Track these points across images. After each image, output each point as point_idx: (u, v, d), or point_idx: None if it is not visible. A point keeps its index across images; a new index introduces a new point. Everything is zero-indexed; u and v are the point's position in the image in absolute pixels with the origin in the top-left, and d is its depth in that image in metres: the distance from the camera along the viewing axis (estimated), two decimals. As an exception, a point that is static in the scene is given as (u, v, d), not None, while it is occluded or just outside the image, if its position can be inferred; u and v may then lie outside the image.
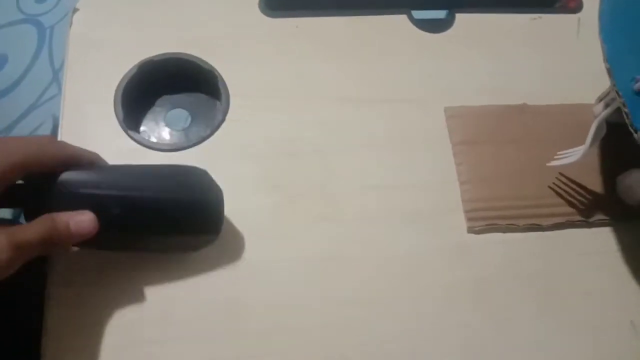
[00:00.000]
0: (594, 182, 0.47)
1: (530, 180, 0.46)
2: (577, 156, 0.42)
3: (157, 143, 0.46)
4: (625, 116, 0.36)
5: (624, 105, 0.35)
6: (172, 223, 0.37)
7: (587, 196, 0.46)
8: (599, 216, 0.46)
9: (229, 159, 0.45)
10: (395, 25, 0.52)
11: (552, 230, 0.45)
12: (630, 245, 0.46)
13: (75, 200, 0.34)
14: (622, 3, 0.39)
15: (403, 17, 0.53)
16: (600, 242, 0.46)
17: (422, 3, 0.53)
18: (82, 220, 0.34)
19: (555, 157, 0.45)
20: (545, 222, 0.45)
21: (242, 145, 0.46)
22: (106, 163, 0.39)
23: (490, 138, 0.48)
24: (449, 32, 0.52)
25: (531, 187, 0.46)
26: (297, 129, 0.47)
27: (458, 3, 0.54)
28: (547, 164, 0.45)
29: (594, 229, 0.46)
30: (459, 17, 0.53)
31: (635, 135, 0.35)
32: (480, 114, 0.49)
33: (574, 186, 0.46)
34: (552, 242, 0.45)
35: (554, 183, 0.46)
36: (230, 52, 0.49)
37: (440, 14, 0.54)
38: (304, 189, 0.45)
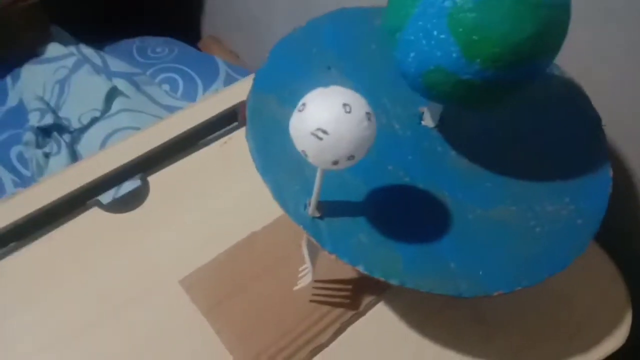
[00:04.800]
0: (345, 272, 0.47)
1: (292, 306, 0.45)
2: (311, 274, 0.42)
3: None
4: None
5: (308, 234, 0.35)
6: None
7: (346, 288, 0.46)
8: (366, 300, 0.46)
9: None
10: (90, 223, 0.48)
11: (335, 339, 0.45)
12: (403, 307, 0.47)
13: None
14: (264, 138, 0.39)
15: (94, 210, 0.49)
16: (380, 321, 0.46)
17: (108, 184, 0.50)
18: None
19: (299, 275, 0.45)
20: (324, 337, 0.44)
21: None
22: None
23: (235, 287, 0.46)
24: (147, 201, 0.50)
25: (296, 312, 0.45)
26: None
27: (147, 165, 0.52)
28: (294, 289, 0.44)
29: (368, 315, 0.46)
30: (152, 179, 0.51)
31: (330, 255, 0.35)
32: (214, 269, 0.46)
33: (330, 286, 0.46)
34: (341, 351, 0.44)
35: (313, 294, 0.46)
36: None
37: (133, 184, 0.51)
38: None
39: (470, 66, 0.30)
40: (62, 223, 0.48)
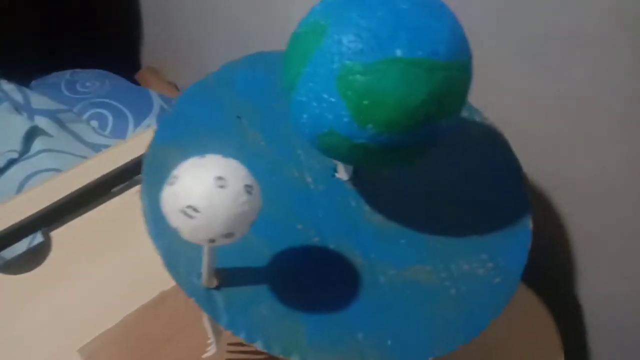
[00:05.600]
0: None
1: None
2: (214, 347, 0.39)
3: None
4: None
5: (198, 304, 0.32)
6: None
7: (263, 351, 0.43)
8: (285, 363, 0.43)
9: None
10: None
11: (249, 408, 0.42)
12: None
13: None
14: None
15: (-13, 272, 0.44)
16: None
17: (4, 241, 0.46)
18: None
19: (209, 340, 0.42)
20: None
21: None
22: None
23: (141, 355, 0.42)
24: (49, 259, 0.46)
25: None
26: None
27: (50, 219, 0.48)
28: (202, 357, 0.41)
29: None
30: (55, 234, 0.47)
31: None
32: (118, 334, 0.43)
33: (245, 349, 0.43)
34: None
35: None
36: None
37: (33, 240, 0.47)
38: None
39: (363, 131, 0.28)
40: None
